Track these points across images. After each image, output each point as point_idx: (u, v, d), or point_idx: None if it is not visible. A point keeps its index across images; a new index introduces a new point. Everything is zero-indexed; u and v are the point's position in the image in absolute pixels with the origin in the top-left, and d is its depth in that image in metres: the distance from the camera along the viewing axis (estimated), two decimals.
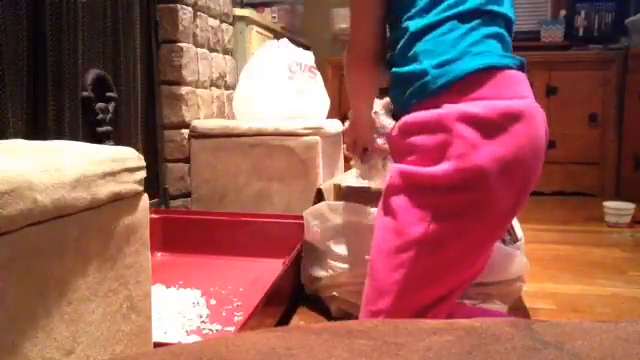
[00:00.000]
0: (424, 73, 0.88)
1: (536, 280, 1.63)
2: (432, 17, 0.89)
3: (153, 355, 0.36)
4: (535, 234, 2.15)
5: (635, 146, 2.92)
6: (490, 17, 0.91)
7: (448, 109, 0.85)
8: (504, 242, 1.26)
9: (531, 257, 1.28)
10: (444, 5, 0.89)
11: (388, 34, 1.01)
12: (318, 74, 2.18)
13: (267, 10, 3.18)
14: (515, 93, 0.88)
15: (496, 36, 0.91)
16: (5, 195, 0.52)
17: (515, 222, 1.45)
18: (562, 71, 3.09)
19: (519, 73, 0.91)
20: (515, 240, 1.33)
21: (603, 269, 1.77)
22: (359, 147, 1.24)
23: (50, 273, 0.60)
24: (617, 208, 2.39)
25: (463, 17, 0.88)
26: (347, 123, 1.25)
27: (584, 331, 0.39)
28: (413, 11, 0.91)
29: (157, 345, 0.85)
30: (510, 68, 0.89)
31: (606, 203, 2.44)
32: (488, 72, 0.86)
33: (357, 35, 1.03)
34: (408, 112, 0.91)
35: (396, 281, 0.88)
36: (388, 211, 0.92)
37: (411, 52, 0.91)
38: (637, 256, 1.93)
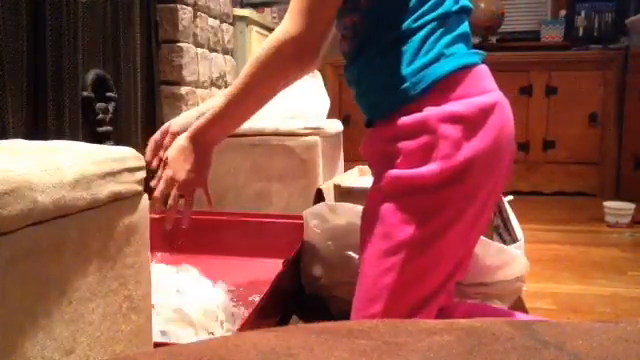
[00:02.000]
0: (403, 79, 0.89)
1: (536, 280, 1.63)
2: (408, 24, 0.89)
3: (153, 355, 0.36)
4: (535, 234, 2.15)
5: (635, 146, 2.92)
6: (459, 16, 0.93)
7: (430, 111, 0.87)
8: (504, 242, 1.26)
9: (531, 257, 1.28)
10: (419, 13, 0.90)
11: (352, 39, 0.97)
12: (318, 74, 2.18)
13: (267, 10, 3.19)
14: (486, 87, 0.92)
15: (463, 36, 0.94)
16: (5, 195, 0.52)
17: (515, 222, 1.45)
18: (562, 71, 3.09)
19: (484, 67, 0.95)
20: (515, 240, 1.33)
21: (603, 269, 1.77)
22: (189, 185, 0.99)
23: (50, 273, 0.60)
24: (617, 208, 2.39)
25: (437, 22, 0.90)
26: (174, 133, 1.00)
27: (584, 331, 0.39)
28: (388, 20, 0.91)
29: (157, 345, 0.85)
30: (477, 64, 0.92)
31: (606, 203, 2.44)
32: (462, 71, 0.89)
33: (315, 22, 0.88)
34: (386, 118, 0.92)
35: (386, 285, 0.89)
36: (374, 215, 0.92)
37: (387, 59, 0.91)
38: (637, 256, 1.93)
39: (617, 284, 1.63)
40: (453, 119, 0.86)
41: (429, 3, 0.90)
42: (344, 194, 1.60)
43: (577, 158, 3.12)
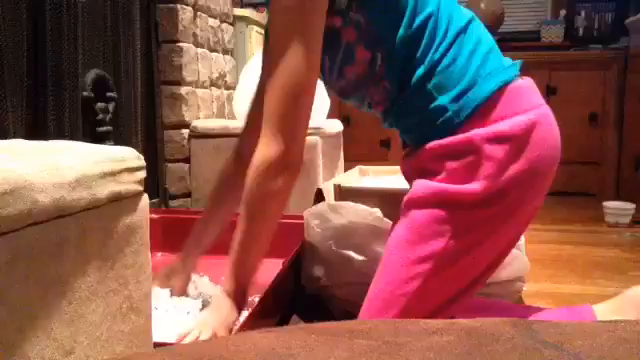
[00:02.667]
0: (443, 110, 0.89)
1: (536, 280, 1.63)
2: (431, 58, 0.89)
3: (153, 355, 0.36)
4: (535, 234, 2.15)
5: (635, 146, 2.92)
6: (472, 27, 0.93)
7: (476, 132, 0.87)
8: None
9: (531, 257, 1.28)
10: (435, 44, 0.89)
11: (385, 101, 0.96)
12: None
13: (267, 10, 3.18)
14: (531, 104, 0.91)
15: (492, 50, 0.93)
16: (5, 195, 0.52)
17: None
18: (562, 71, 3.09)
19: (527, 80, 0.94)
20: None
21: (603, 269, 1.77)
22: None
23: (50, 273, 0.60)
24: (617, 208, 2.39)
25: (457, 45, 0.90)
26: (210, 310, 0.94)
27: (584, 331, 0.39)
28: (410, 65, 0.90)
29: (157, 345, 0.85)
30: (516, 76, 0.91)
31: (606, 203, 2.44)
32: (503, 90, 0.88)
33: (293, 137, 0.86)
34: (431, 141, 0.91)
35: (407, 292, 0.88)
36: (407, 223, 0.92)
37: (421, 97, 0.90)
38: (637, 256, 1.92)
39: (617, 284, 1.63)
40: (498, 139, 0.86)
41: (440, 32, 0.89)
42: (344, 194, 1.60)
43: (577, 158, 3.12)
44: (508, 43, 3.29)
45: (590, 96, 3.07)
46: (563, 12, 3.39)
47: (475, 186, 0.86)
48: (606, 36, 3.28)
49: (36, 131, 1.35)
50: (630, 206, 2.38)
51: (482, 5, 3.17)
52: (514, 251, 1.23)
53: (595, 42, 3.25)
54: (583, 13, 3.34)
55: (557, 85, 3.08)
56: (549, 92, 3.08)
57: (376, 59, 0.91)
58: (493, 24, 3.23)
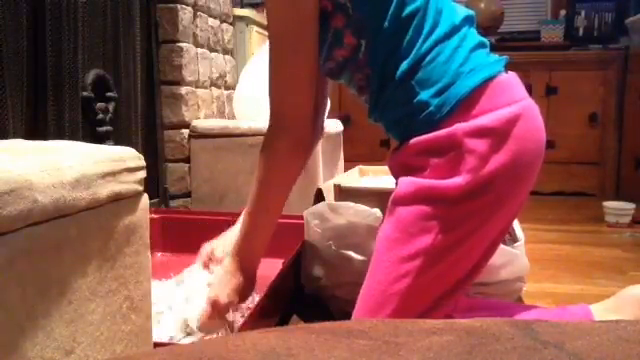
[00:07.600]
0: (426, 105, 0.89)
1: (536, 280, 1.63)
2: (416, 52, 0.90)
3: (153, 355, 0.36)
4: (535, 234, 2.15)
5: (635, 146, 2.92)
6: (465, 27, 0.93)
7: (458, 126, 0.87)
8: (504, 242, 1.26)
9: (531, 257, 1.28)
10: (422, 38, 0.90)
11: (368, 87, 0.97)
12: None
13: None
14: (513, 97, 0.91)
15: (478, 46, 0.93)
16: (5, 195, 0.52)
17: (515, 222, 1.45)
18: (562, 71, 3.09)
19: (511, 75, 0.94)
20: (515, 240, 1.33)
21: (603, 269, 1.77)
22: (229, 308, 1.01)
23: (50, 273, 0.60)
24: (617, 208, 2.39)
25: (444, 41, 0.90)
26: (220, 269, 1.01)
27: (584, 331, 0.39)
28: (395, 57, 0.91)
29: (157, 345, 0.85)
30: (500, 72, 0.92)
31: (606, 203, 2.44)
32: (485, 85, 0.89)
33: (294, 106, 0.92)
34: (414, 136, 0.92)
35: (398, 291, 0.88)
36: (394, 221, 0.92)
37: (405, 90, 0.91)
38: (637, 256, 1.92)
39: (617, 284, 1.63)
40: (479, 133, 0.86)
41: (427, 27, 0.90)
42: (344, 194, 1.60)
43: (577, 158, 3.12)
44: (508, 43, 3.29)
45: (590, 96, 3.07)
46: (563, 12, 3.39)
47: (458, 180, 0.86)
48: (606, 36, 3.28)
49: (36, 131, 1.35)
50: (630, 206, 2.38)
51: (482, 5, 3.16)
52: (514, 251, 1.23)
53: (595, 42, 3.25)
54: (583, 13, 3.34)
55: (557, 85, 3.08)
56: (549, 92, 3.08)
57: (360, 46, 0.92)
58: (493, 24, 3.23)
